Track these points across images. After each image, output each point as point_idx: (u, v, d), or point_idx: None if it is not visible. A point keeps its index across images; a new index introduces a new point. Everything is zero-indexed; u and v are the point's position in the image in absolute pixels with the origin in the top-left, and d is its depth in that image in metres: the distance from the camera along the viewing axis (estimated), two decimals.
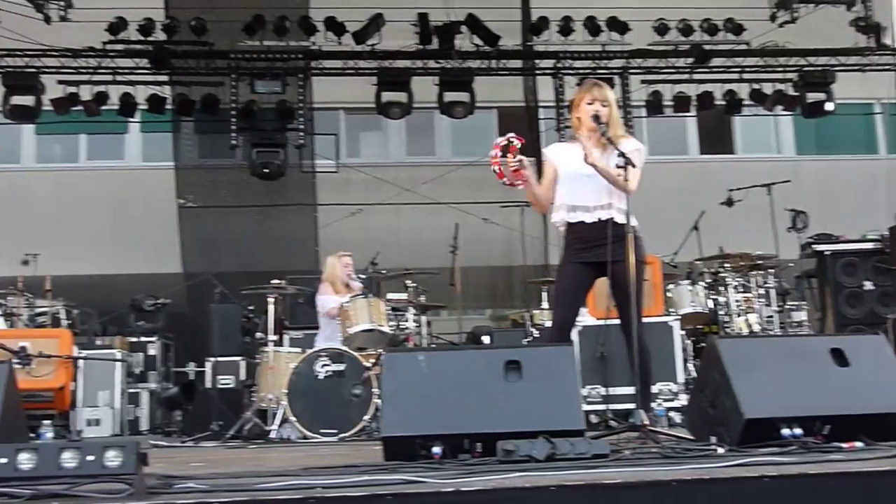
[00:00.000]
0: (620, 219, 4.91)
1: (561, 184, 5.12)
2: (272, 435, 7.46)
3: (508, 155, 5.02)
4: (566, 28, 12.22)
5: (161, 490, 2.92)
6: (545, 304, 9.35)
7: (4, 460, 2.75)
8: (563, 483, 2.86)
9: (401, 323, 8.04)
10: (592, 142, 5.10)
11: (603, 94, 5.12)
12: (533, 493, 2.83)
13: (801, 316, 9.40)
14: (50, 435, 7.76)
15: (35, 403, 7.34)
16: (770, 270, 9.26)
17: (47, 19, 11.79)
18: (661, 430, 5.06)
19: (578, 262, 5.04)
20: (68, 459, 2.75)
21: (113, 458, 2.74)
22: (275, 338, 7.86)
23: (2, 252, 13.72)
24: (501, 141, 5.08)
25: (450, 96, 12.27)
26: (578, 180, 5.05)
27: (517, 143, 5.06)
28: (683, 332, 7.87)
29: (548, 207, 5.22)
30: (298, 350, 7.91)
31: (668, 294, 8.42)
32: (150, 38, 12.06)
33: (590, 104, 5.08)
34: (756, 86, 12.78)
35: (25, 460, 2.75)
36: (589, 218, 5.01)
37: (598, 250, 4.91)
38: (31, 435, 6.48)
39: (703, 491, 2.89)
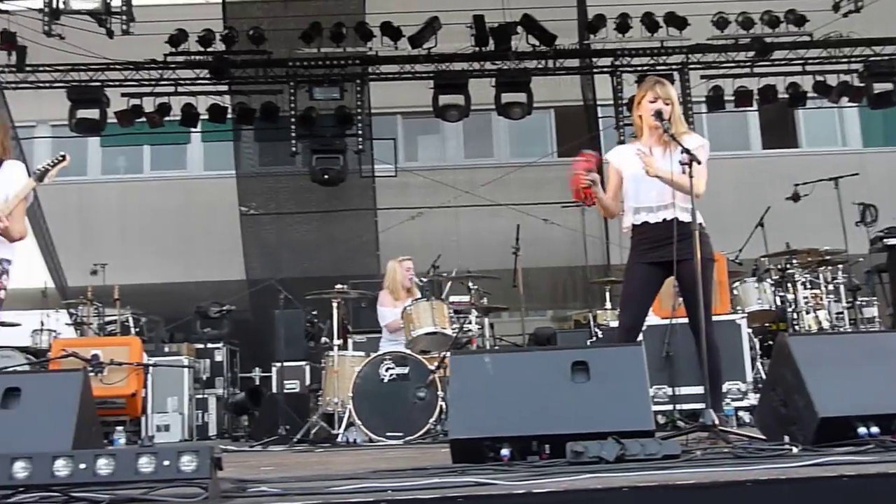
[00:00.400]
0: (685, 217, 4.85)
1: (626, 186, 5.08)
2: (339, 438, 7.52)
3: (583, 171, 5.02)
4: (623, 25, 12.10)
5: (235, 494, 2.96)
6: (608, 304, 9.27)
7: (83, 466, 2.81)
8: (635, 484, 2.82)
9: (463, 325, 8.02)
10: (654, 139, 5.05)
11: (665, 91, 5.07)
12: (605, 495, 2.79)
13: (873, 312, 9.17)
14: (122, 441, 7.93)
15: (108, 410, 7.52)
16: (839, 266, 9.04)
17: (110, 34, 12.03)
18: (732, 430, 4.97)
19: (645, 263, 4.99)
20: (145, 464, 2.79)
21: (188, 463, 2.78)
22: (339, 342, 7.91)
23: (71, 263, 14.11)
24: (583, 158, 5.06)
25: (507, 97, 12.24)
26: (641, 181, 5.02)
27: (591, 160, 5.05)
28: (750, 331, 7.74)
29: (617, 213, 5.17)
30: (362, 354, 7.94)
31: (734, 292, 8.29)
32: (209, 49, 12.25)
33: (652, 102, 5.03)
34: (820, 77, 12.51)
35: (104, 465, 2.80)
36: (653, 218, 4.97)
37: (664, 249, 4.86)
38: (105, 441, 6.61)
39: (780, 491, 2.82)
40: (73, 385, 3.71)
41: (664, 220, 4.93)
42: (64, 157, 4.91)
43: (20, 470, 2.82)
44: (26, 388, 3.66)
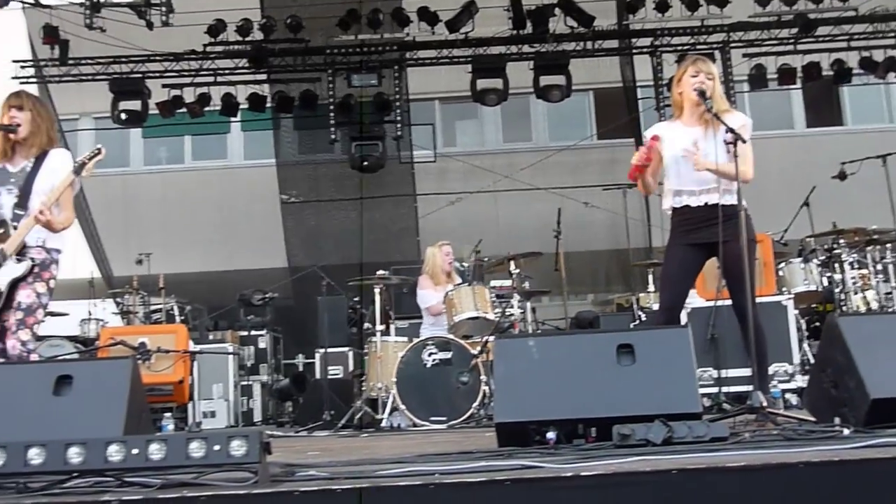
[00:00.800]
0: (727, 200, 4.79)
1: (667, 167, 5.00)
2: (383, 423, 7.56)
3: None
4: (663, 4, 11.94)
5: (284, 478, 2.99)
6: (651, 287, 9.20)
7: (136, 451, 2.85)
8: (684, 466, 2.80)
9: (505, 310, 8.01)
10: (695, 118, 4.97)
11: (707, 66, 4.99)
12: (654, 478, 2.77)
13: None
14: (170, 427, 8.04)
15: (155, 397, 7.62)
16: (887, 245, 8.87)
17: (150, 25, 12.12)
18: (780, 412, 4.91)
19: (686, 244, 4.93)
20: (196, 449, 2.83)
21: (238, 448, 2.81)
22: (381, 328, 7.94)
23: (116, 253, 14.31)
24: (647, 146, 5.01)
25: (546, 80, 12.15)
26: (682, 164, 4.94)
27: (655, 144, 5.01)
28: (797, 312, 7.64)
29: (654, 190, 5.12)
30: (405, 339, 7.98)
31: (780, 273, 8.18)
32: (248, 39, 12.31)
33: (694, 76, 4.95)
34: (866, 53, 12.26)
35: (155, 450, 2.84)
36: (695, 202, 4.90)
37: (706, 231, 4.80)
38: (153, 427, 6.70)
39: (833, 473, 2.77)
40: (122, 372, 3.76)
41: (706, 203, 4.87)
42: (100, 150, 4.96)
43: (74, 455, 2.87)
44: (78, 375, 3.72)
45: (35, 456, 2.90)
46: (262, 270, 14.16)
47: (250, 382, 10.78)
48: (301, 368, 11.62)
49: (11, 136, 4.93)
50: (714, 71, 5.04)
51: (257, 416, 10.71)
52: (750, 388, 4.64)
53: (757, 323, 4.64)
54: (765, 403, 4.34)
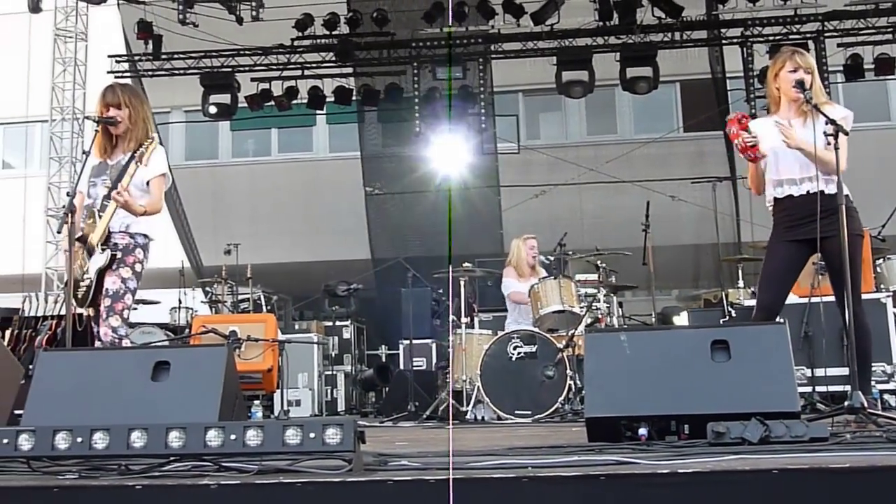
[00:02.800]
0: (830, 189, 4.64)
1: (766, 160, 4.88)
2: (467, 416, 7.57)
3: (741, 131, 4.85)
4: None
5: (377, 467, 3.00)
6: (741, 283, 9.00)
7: (233, 436, 2.90)
8: (785, 467, 2.72)
9: (592, 304, 7.93)
10: (794, 112, 4.84)
11: (805, 60, 4.86)
12: (752, 477, 2.70)
13: None
14: (259, 415, 8.19)
15: (245, 385, 7.76)
16: None
17: (240, 20, 12.35)
18: (882, 413, 4.74)
19: (789, 241, 4.79)
20: (291, 436, 2.86)
21: (333, 436, 2.83)
22: (466, 320, 7.95)
23: (206, 243, 14.64)
24: (734, 116, 4.91)
25: (632, 72, 12.00)
26: (781, 153, 4.82)
27: (746, 120, 4.90)
28: None
29: (762, 186, 4.99)
30: (489, 332, 7.97)
31: (878, 270, 7.91)
32: (334, 32, 12.45)
33: (792, 72, 4.82)
34: None
35: (252, 437, 2.89)
36: (797, 191, 4.78)
37: (808, 226, 4.67)
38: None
39: None
40: (218, 359, 3.83)
41: (808, 192, 4.73)
42: (153, 139, 5.00)
43: (175, 440, 2.94)
44: (175, 361, 3.80)
45: (137, 439, 2.98)
46: (345, 262, 14.32)
47: (334, 372, 10.92)
48: (384, 359, 11.72)
49: (112, 129, 5.04)
50: (812, 64, 4.90)
51: (341, 406, 10.85)
52: (846, 387, 4.50)
53: (862, 322, 4.50)
54: (866, 404, 4.20)
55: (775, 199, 4.87)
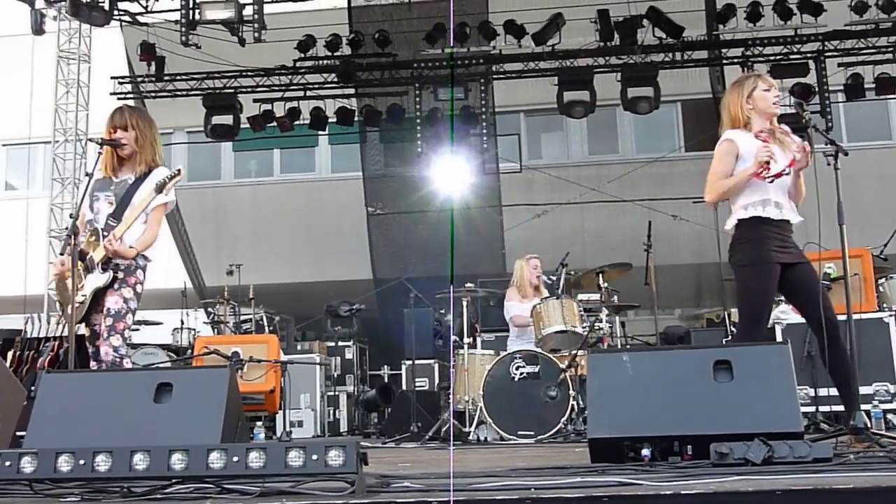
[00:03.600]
0: (796, 218, 4.81)
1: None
2: (470, 437, 7.54)
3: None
4: (754, 14, 11.70)
5: (379, 489, 3.00)
6: None
7: (236, 458, 2.90)
8: (789, 487, 2.71)
9: (594, 324, 7.92)
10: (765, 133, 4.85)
11: (772, 81, 4.93)
12: (756, 498, 2.70)
13: None
14: (262, 436, 8.17)
15: (247, 406, 7.73)
16: None
17: (242, 42, 12.40)
18: (885, 433, 4.73)
19: (777, 263, 4.75)
20: (294, 458, 2.86)
21: (335, 458, 2.83)
22: (468, 340, 7.93)
23: (208, 264, 14.65)
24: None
25: (634, 92, 12.03)
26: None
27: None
28: None
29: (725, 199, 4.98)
30: (492, 352, 7.95)
31: (881, 289, 7.90)
32: (336, 53, 12.51)
33: (767, 90, 4.85)
34: None
35: (255, 459, 2.88)
36: (777, 215, 4.76)
37: (792, 251, 4.77)
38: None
39: None
40: (220, 381, 3.83)
41: (784, 218, 4.79)
42: (179, 171, 5.02)
43: (177, 462, 2.94)
44: (177, 383, 3.80)
45: (139, 461, 2.97)
46: (348, 282, 14.32)
47: (337, 393, 10.89)
48: (386, 380, 11.69)
49: (118, 151, 5.05)
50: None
51: (343, 427, 10.81)
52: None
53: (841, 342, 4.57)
54: (869, 424, 4.19)
55: (758, 217, 4.77)
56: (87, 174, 5.13)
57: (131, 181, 5.02)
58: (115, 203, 4.98)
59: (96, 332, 4.95)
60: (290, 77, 12.87)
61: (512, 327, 8.62)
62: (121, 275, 4.92)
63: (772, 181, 4.71)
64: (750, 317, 4.85)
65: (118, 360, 4.82)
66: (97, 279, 4.91)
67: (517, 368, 7.48)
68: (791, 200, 4.80)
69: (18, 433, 4.47)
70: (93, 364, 4.95)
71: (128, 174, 5.07)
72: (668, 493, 2.73)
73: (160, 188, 4.90)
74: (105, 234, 4.91)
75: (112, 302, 4.89)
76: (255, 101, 12.94)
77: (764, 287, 4.81)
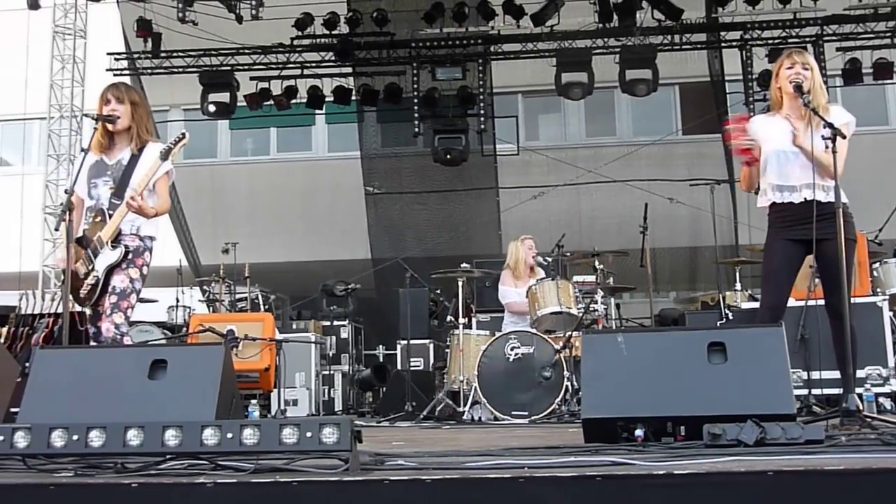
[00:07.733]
0: (824, 197, 4.66)
1: (766, 162, 4.87)
2: (464, 416, 7.57)
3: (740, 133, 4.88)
4: None
5: (373, 467, 3.01)
6: (738, 286, 9.00)
7: (230, 435, 2.90)
8: (780, 468, 2.72)
9: (589, 305, 7.93)
10: (795, 113, 4.84)
11: (803, 57, 4.88)
12: (748, 479, 2.71)
13: None
14: (256, 414, 8.18)
15: (242, 384, 7.75)
16: None
17: (239, 19, 12.35)
18: (877, 416, 4.76)
19: (787, 240, 4.79)
20: (288, 435, 2.87)
21: (330, 435, 2.84)
22: (463, 321, 7.94)
23: (204, 242, 14.63)
24: (734, 117, 4.95)
25: (632, 74, 12.02)
26: (784, 157, 4.81)
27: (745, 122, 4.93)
28: (892, 313, 7.37)
29: (755, 185, 4.99)
30: (487, 333, 7.97)
31: (875, 273, 7.91)
32: (334, 32, 12.47)
33: (789, 69, 4.82)
34: None
35: (249, 435, 2.89)
36: (797, 198, 4.76)
37: (806, 227, 4.67)
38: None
39: None
40: (215, 358, 3.83)
41: (805, 199, 4.73)
42: (184, 135, 5.03)
43: (171, 438, 2.94)
44: (172, 360, 3.80)
45: (133, 437, 2.98)
46: (344, 261, 14.31)
47: (332, 372, 10.89)
48: (381, 359, 11.71)
49: (110, 126, 5.04)
50: (811, 62, 4.91)
51: (338, 406, 10.83)
52: (841, 390, 4.52)
53: (850, 325, 4.51)
54: (861, 407, 4.21)
55: (773, 202, 4.85)
56: (82, 150, 5.13)
57: (126, 161, 5.03)
58: (114, 185, 4.99)
59: (98, 312, 4.97)
60: (287, 55, 12.84)
61: (507, 309, 8.63)
62: (130, 255, 4.93)
63: (748, 164, 4.85)
64: (762, 300, 4.97)
65: (119, 337, 4.84)
66: (108, 257, 4.93)
67: (512, 349, 7.50)
68: (824, 178, 4.68)
69: (12, 409, 4.46)
70: (93, 344, 4.96)
71: (118, 154, 5.08)
72: (660, 472, 2.74)
73: (165, 154, 4.93)
74: (111, 213, 4.92)
75: (118, 281, 4.92)
76: (251, 79, 12.91)
77: (766, 269, 4.89)
